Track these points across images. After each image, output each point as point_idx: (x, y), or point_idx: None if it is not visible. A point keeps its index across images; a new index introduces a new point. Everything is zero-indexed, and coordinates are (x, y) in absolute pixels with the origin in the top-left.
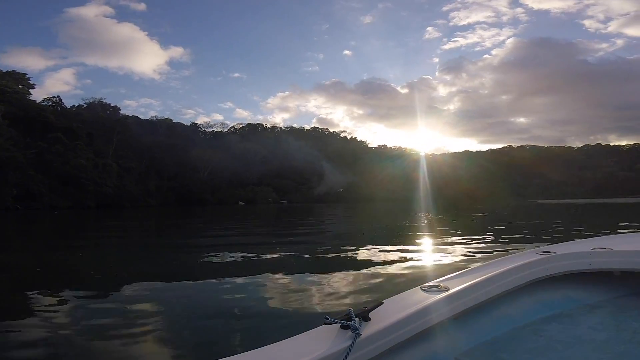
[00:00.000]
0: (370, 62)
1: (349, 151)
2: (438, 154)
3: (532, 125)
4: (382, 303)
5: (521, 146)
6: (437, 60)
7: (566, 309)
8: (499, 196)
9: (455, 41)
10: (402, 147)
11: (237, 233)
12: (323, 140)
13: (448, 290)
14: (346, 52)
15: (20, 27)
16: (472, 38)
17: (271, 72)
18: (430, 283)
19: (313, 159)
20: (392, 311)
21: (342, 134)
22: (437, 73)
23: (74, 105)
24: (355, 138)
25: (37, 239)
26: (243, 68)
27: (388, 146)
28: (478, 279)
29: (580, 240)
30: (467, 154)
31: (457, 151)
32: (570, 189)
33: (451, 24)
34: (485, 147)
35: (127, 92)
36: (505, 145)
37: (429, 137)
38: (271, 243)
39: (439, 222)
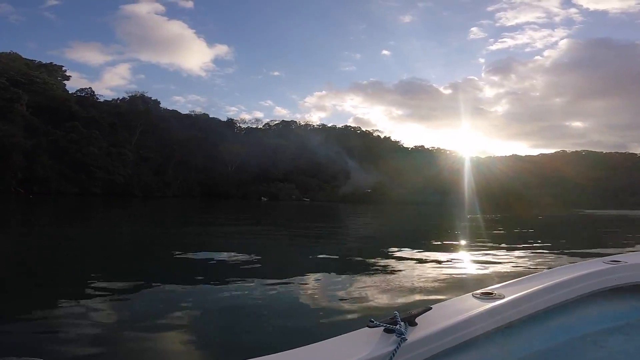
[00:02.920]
0: (410, 62)
1: (380, 150)
2: (483, 157)
3: (590, 129)
4: (431, 308)
5: (576, 151)
6: (482, 61)
7: (632, 319)
8: (548, 204)
9: (502, 42)
10: (442, 148)
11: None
12: (353, 139)
13: (503, 298)
14: (385, 52)
15: (83, 23)
16: (521, 39)
17: (309, 72)
18: (484, 290)
19: (337, 157)
20: (441, 317)
21: (375, 133)
22: (483, 74)
23: (117, 98)
24: (389, 138)
25: None
26: (282, 67)
27: (425, 147)
28: (536, 288)
29: None
30: (516, 158)
31: (504, 155)
32: (631, 199)
33: (497, 24)
34: (535, 152)
35: (177, 88)
36: (559, 150)
37: (473, 139)
38: (304, 243)
39: (485, 228)
